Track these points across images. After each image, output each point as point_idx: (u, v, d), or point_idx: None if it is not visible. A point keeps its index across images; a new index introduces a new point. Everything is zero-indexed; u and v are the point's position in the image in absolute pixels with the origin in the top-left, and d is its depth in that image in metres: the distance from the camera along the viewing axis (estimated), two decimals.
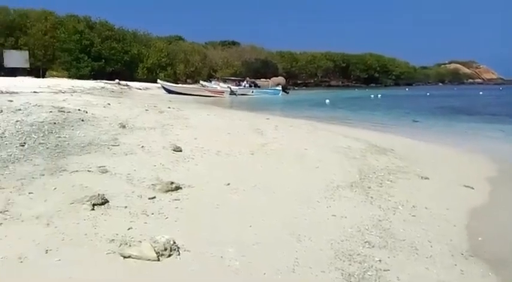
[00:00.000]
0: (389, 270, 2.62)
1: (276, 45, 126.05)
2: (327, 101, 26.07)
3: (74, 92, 17.02)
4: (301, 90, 57.16)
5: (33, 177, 3.57)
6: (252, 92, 35.48)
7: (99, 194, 3.27)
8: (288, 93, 38.98)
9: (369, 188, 4.41)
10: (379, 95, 37.05)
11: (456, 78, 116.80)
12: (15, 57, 34.89)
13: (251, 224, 3.15)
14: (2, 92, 11.64)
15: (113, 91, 23.56)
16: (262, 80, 43.71)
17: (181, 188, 3.85)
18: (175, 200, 3.54)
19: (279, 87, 38.59)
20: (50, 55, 37.34)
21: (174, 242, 2.62)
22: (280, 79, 49.55)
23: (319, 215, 3.48)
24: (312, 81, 73.25)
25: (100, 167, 4.18)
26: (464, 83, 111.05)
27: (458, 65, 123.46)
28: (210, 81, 41.18)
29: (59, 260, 2.34)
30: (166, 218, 3.12)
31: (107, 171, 4.10)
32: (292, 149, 6.82)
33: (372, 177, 4.88)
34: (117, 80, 30.33)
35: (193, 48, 53.93)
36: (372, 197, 4.08)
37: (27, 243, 2.47)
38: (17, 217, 2.80)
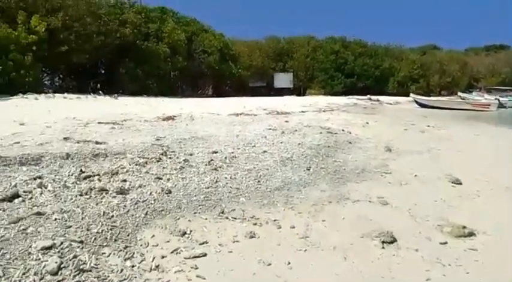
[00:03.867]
0: None
1: None
2: None
3: (332, 110, 18.30)
4: None
5: (323, 204, 3.86)
6: None
7: (388, 231, 3.21)
8: None
9: None
10: None
11: None
12: (283, 79, 40.84)
13: None
14: (278, 113, 13.69)
15: (365, 107, 24.06)
16: None
17: (474, 234, 3.35)
18: (472, 249, 3.09)
19: None
20: (309, 75, 41.86)
21: None
22: None
23: None
24: None
25: (379, 198, 4.16)
26: None
27: None
28: (470, 92, 36.42)
29: None
30: (467, 273, 2.73)
31: (387, 203, 4.04)
32: None
33: None
34: (368, 96, 30.93)
35: (450, 56, 49.25)
36: None
37: (330, 276, 2.62)
38: (317, 245, 3.04)
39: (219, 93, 32.52)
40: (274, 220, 3.41)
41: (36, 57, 16.14)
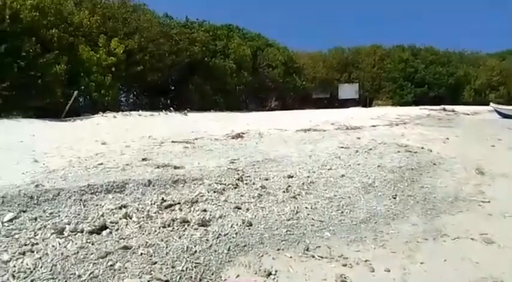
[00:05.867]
0: None
1: None
2: None
3: (404, 123, 17.28)
4: None
5: (417, 242, 3.47)
6: None
7: (501, 281, 2.76)
8: None
9: None
10: None
11: None
12: (347, 90, 39.81)
13: None
14: (347, 128, 13.18)
15: (440, 119, 22.47)
16: None
17: None
18: None
19: None
20: (376, 85, 40.37)
21: None
22: None
23: None
24: None
25: (482, 234, 3.66)
26: None
27: None
28: None
29: None
30: None
31: (492, 242, 3.53)
32: None
33: None
34: (442, 106, 28.98)
35: None
36: None
37: None
38: None
39: (282, 106, 32.48)
40: (366, 260, 3.10)
41: (114, 77, 17.26)
